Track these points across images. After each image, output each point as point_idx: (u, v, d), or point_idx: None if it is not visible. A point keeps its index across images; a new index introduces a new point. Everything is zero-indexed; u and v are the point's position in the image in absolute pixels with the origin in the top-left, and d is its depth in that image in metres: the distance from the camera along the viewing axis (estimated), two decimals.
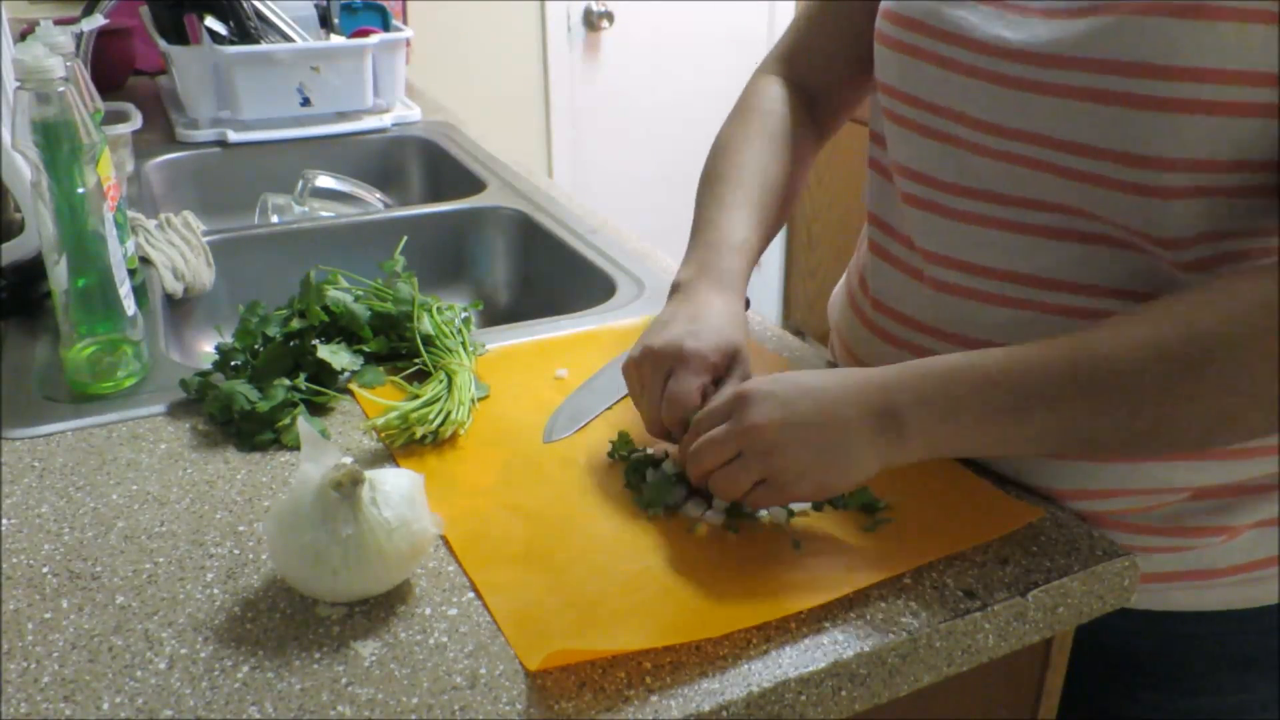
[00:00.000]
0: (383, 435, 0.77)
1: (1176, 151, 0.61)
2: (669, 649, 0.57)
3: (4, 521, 0.68)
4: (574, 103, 2.86)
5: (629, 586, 0.62)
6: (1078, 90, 0.63)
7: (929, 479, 0.71)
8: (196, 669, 0.56)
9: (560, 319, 1.00)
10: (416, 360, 0.85)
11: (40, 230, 0.81)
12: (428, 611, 0.60)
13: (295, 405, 0.79)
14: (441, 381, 0.81)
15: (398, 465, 0.74)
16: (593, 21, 2.80)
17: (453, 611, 0.60)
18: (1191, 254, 0.65)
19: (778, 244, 3.18)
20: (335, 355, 0.83)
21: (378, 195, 1.44)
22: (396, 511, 0.60)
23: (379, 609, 0.60)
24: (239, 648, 0.57)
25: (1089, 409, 0.60)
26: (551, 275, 1.24)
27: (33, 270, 0.95)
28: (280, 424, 0.78)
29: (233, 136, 1.54)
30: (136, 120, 1.31)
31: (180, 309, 1.12)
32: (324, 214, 1.38)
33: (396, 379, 0.85)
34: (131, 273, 0.94)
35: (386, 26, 1.69)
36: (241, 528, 0.68)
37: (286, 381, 0.80)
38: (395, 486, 0.61)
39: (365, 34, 1.63)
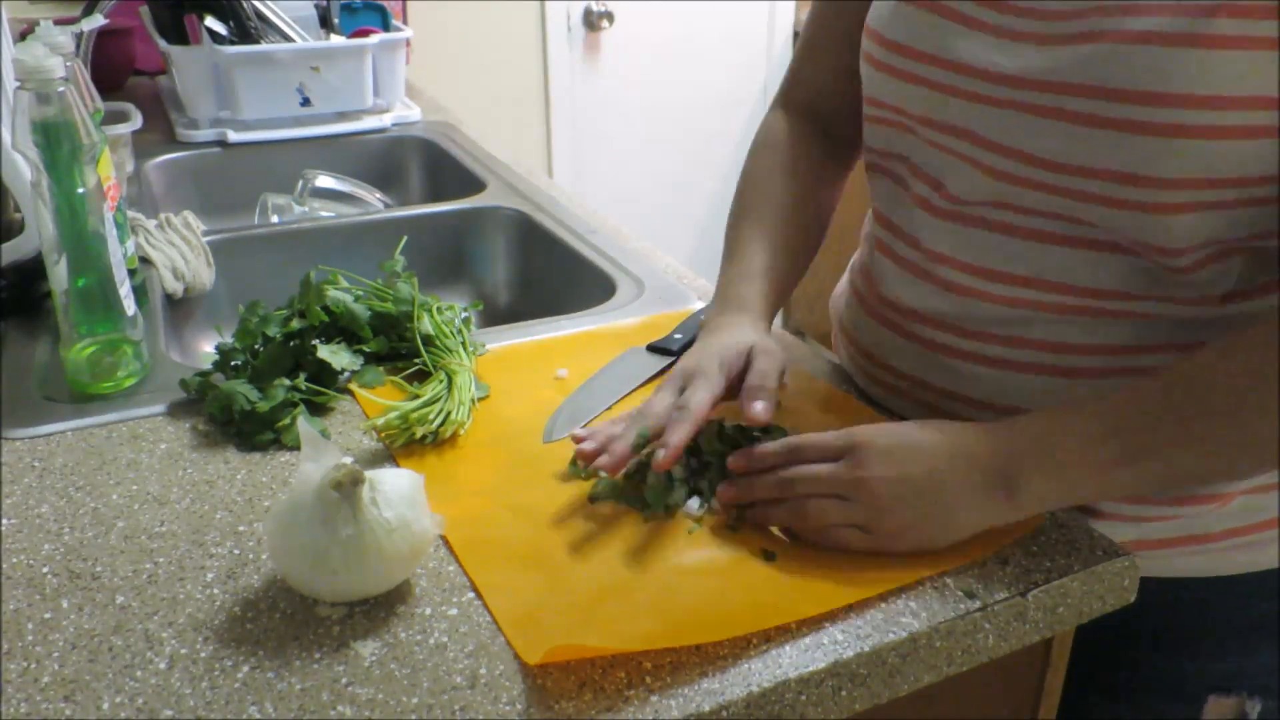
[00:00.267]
0: (383, 435, 0.77)
1: (1174, 173, 0.61)
2: (669, 649, 0.57)
3: (4, 521, 0.68)
4: (574, 103, 2.86)
5: (629, 587, 0.62)
6: (1070, 114, 0.64)
7: None
8: (196, 669, 0.56)
9: (560, 319, 1.00)
10: (416, 360, 0.85)
11: (40, 230, 0.81)
12: (428, 611, 0.60)
13: (295, 405, 0.79)
14: (441, 381, 0.81)
15: (398, 465, 0.74)
16: (593, 21, 2.80)
17: (453, 611, 0.60)
18: (1193, 257, 0.65)
19: None
20: (335, 355, 0.83)
21: (378, 195, 1.44)
22: (396, 511, 0.60)
23: (379, 609, 0.60)
24: (239, 648, 0.57)
25: (1196, 450, 0.61)
26: (551, 275, 1.24)
27: (33, 270, 0.95)
28: (280, 424, 0.78)
29: (233, 136, 1.54)
30: (136, 120, 1.31)
31: (180, 309, 1.12)
32: (324, 214, 1.38)
33: (396, 379, 0.85)
34: (131, 273, 0.94)
35: (386, 26, 1.69)
36: (241, 528, 0.68)
37: (286, 381, 0.80)
38: (395, 486, 0.61)
39: (365, 34, 1.63)
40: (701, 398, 0.68)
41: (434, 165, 1.62)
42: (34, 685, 0.54)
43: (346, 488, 0.59)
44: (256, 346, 0.83)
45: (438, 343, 0.86)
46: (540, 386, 0.86)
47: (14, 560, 0.64)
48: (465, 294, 1.33)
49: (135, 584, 0.62)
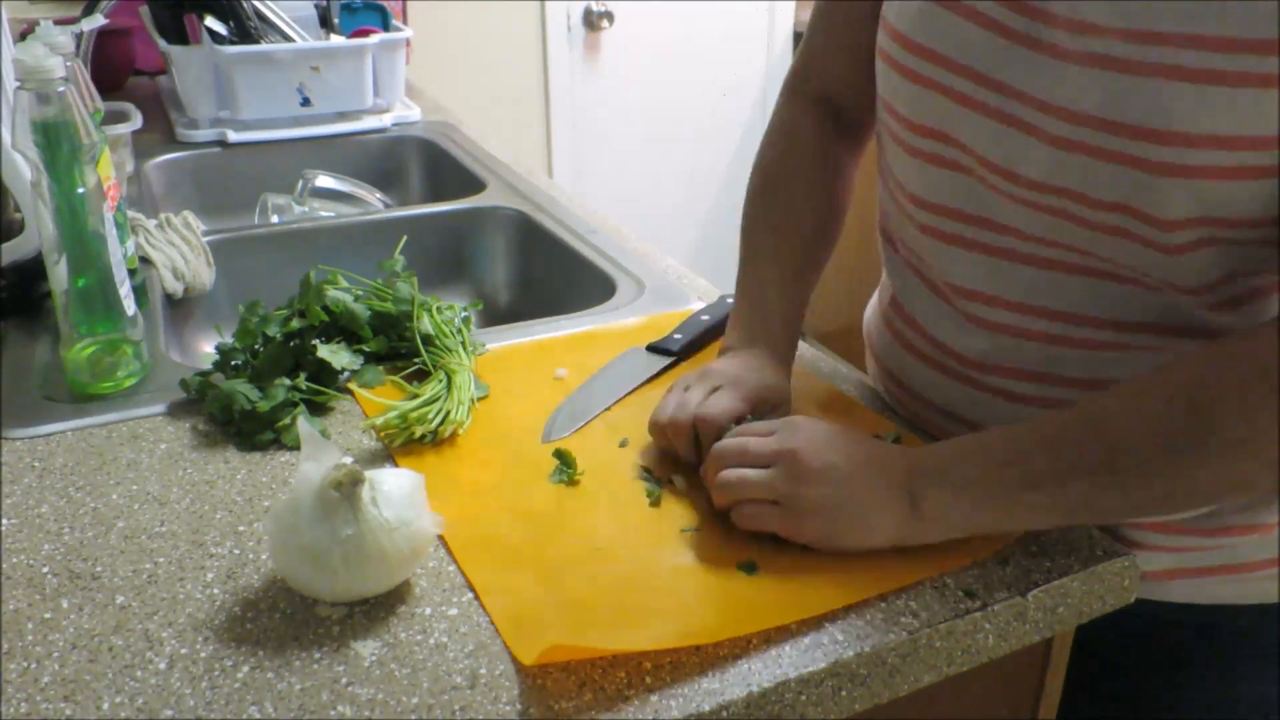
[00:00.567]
0: (382, 435, 0.77)
1: (1180, 213, 0.60)
2: (669, 649, 0.57)
3: (4, 521, 0.68)
4: (574, 103, 2.86)
5: (628, 588, 0.62)
6: (1078, 145, 0.62)
7: None
8: (196, 669, 0.56)
9: (560, 319, 1.00)
10: (416, 360, 0.85)
11: (40, 230, 0.81)
12: (428, 611, 0.60)
13: (295, 405, 0.79)
14: (441, 381, 0.81)
15: (397, 465, 0.74)
16: (593, 21, 2.80)
17: (453, 611, 0.60)
18: (1213, 297, 0.65)
19: None
20: (335, 355, 0.83)
21: (378, 195, 1.44)
22: (396, 511, 0.60)
23: (379, 609, 0.60)
24: (239, 648, 0.57)
25: (1098, 485, 0.61)
26: (551, 275, 1.24)
27: (33, 270, 0.95)
28: (280, 424, 0.78)
29: (233, 136, 1.54)
30: (136, 120, 1.31)
31: (180, 309, 1.12)
32: (324, 214, 1.38)
33: (396, 379, 0.85)
34: (131, 273, 0.94)
35: (386, 26, 1.69)
36: (241, 528, 0.68)
37: (286, 381, 0.80)
38: (395, 486, 0.61)
39: (365, 34, 1.63)
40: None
41: (434, 165, 1.62)
42: (34, 685, 0.55)
43: (347, 487, 0.59)
44: (256, 346, 0.83)
45: (437, 342, 0.86)
46: (540, 386, 0.86)
47: (14, 560, 0.64)
48: (465, 294, 1.33)
49: (135, 584, 0.62)
